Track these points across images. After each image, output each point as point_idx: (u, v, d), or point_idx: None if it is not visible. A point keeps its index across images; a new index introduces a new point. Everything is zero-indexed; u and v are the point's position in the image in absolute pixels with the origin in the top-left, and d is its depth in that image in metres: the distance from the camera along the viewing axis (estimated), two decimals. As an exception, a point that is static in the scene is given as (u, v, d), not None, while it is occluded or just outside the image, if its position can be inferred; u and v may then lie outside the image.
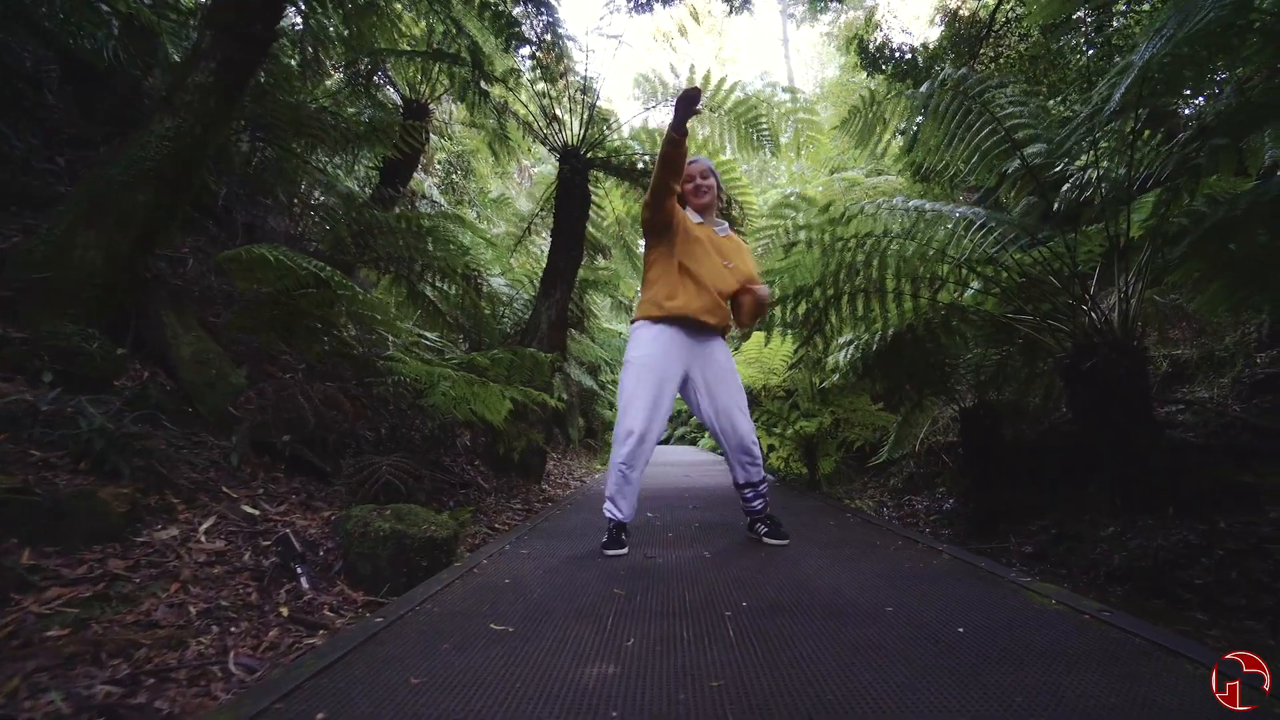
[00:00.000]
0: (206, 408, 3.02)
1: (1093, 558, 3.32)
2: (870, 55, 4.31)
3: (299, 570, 1.89)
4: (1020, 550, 3.87)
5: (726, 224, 2.66)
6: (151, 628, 1.44)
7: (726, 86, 5.02)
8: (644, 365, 2.33)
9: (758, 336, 6.72)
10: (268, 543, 2.01)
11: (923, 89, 3.15)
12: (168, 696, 1.24)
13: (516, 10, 4.95)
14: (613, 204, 6.32)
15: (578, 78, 5.00)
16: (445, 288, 5.11)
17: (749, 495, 2.51)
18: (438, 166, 11.63)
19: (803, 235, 4.21)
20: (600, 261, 6.67)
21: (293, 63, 4.96)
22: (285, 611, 1.72)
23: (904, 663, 1.18)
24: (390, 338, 3.73)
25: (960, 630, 1.33)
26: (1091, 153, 3.49)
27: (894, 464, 6.53)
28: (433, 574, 2.12)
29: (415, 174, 7.74)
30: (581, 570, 2.03)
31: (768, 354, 6.30)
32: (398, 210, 5.36)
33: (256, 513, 2.24)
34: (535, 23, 4.77)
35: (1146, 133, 3.52)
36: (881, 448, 6.10)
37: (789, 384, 6.05)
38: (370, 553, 2.09)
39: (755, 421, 4.96)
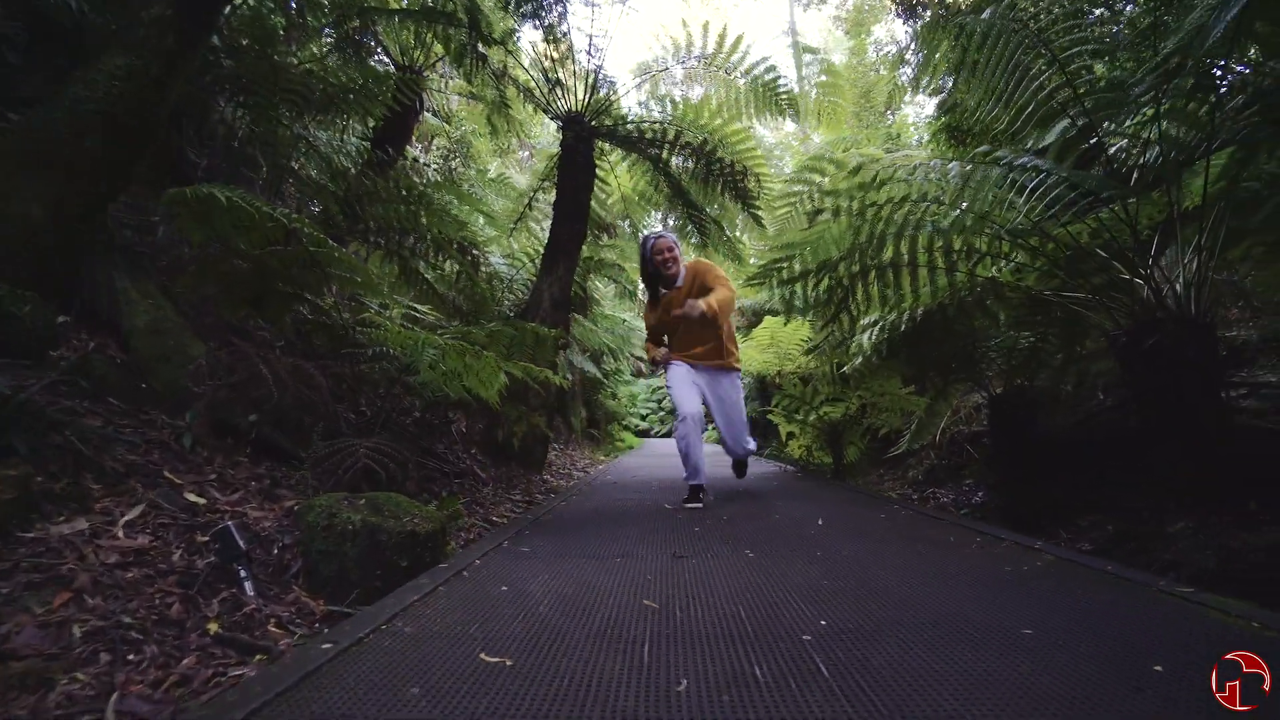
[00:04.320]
0: (161, 383, 2.58)
1: (1168, 558, 2.89)
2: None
3: (242, 573, 1.46)
4: (1077, 549, 3.46)
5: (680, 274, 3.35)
6: (2, 661, 1.01)
7: (743, 47, 4.58)
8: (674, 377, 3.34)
9: (769, 321, 6.29)
10: (207, 538, 1.58)
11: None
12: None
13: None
14: (618, 179, 5.87)
15: (582, 34, 4.56)
16: (441, 264, 4.67)
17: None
18: (436, 151, 11.15)
19: (829, 202, 3.78)
20: (605, 240, 6.21)
21: (278, 22, 4.50)
22: (214, 629, 1.29)
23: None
24: (373, 305, 3.28)
25: (1159, 668, 0.90)
26: (1151, 109, 3.04)
27: (911, 455, 6.11)
28: (413, 578, 1.69)
29: (413, 152, 7.28)
30: (597, 574, 1.60)
31: (783, 337, 5.87)
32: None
33: (202, 501, 1.81)
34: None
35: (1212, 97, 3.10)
36: (901, 438, 5.69)
37: (803, 370, 5.63)
38: (336, 550, 1.66)
39: (775, 407, 4.54)
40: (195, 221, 2.26)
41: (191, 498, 1.79)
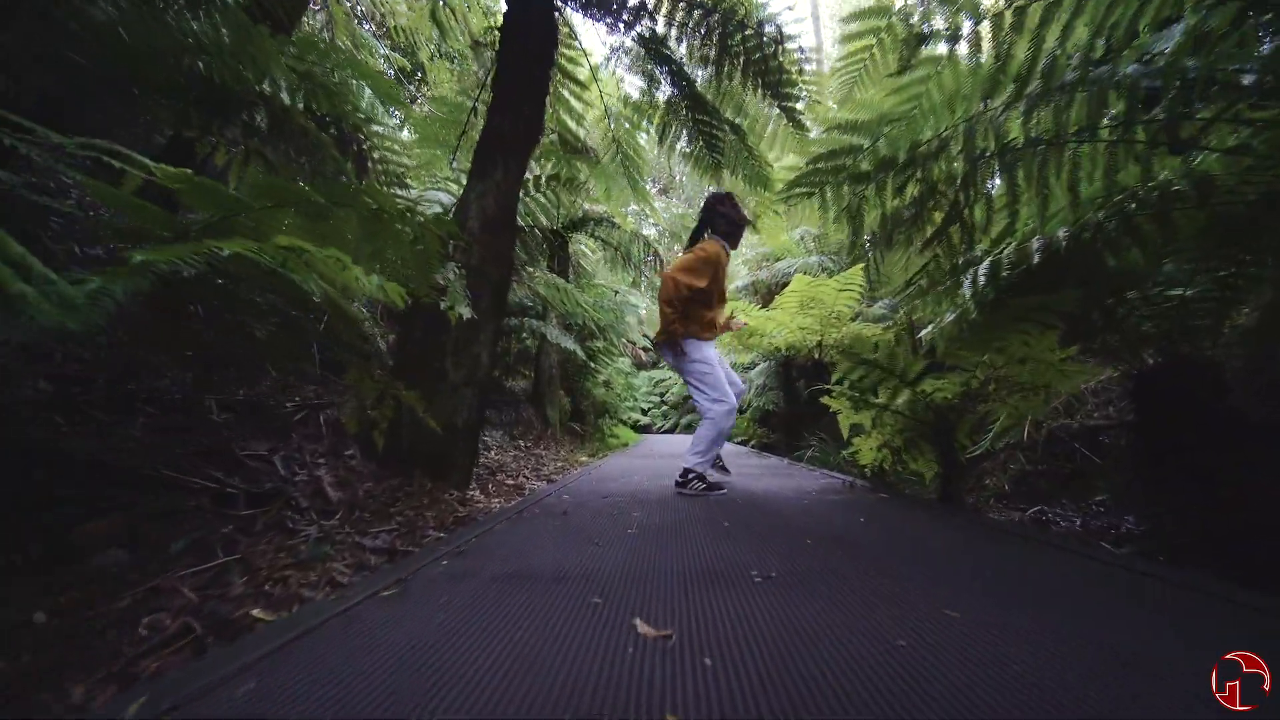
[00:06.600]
0: None
1: None
2: None
3: None
4: None
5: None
6: None
7: None
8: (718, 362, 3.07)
9: (800, 281, 4.54)
10: None
11: None
12: None
13: None
14: (600, 85, 4.12)
15: None
16: (323, 168, 2.94)
17: None
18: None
19: (939, 22, 2.05)
20: (583, 171, 4.47)
21: None
22: None
23: None
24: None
25: None
26: None
27: (987, 459, 4.35)
28: None
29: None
30: None
31: (824, 296, 4.12)
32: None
33: None
34: None
35: None
36: (985, 433, 3.93)
37: (845, 339, 3.89)
38: None
39: (836, 385, 2.80)
40: None
41: None
